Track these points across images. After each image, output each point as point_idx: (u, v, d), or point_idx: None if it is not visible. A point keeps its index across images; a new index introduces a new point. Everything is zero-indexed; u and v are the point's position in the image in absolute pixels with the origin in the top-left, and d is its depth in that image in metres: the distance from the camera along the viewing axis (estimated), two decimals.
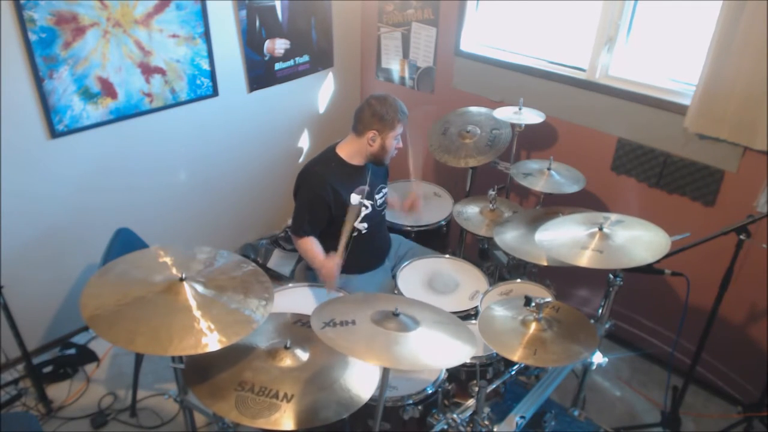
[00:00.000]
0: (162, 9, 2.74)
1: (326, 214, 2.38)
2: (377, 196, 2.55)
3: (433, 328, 1.63)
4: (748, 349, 2.68)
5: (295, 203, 2.45)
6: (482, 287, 2.38)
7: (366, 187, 2.47)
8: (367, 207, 2.48)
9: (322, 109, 3.78)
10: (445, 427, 1.83)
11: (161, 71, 2.84)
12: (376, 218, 2.55)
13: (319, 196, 2.35)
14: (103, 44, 2.60)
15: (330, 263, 2.26)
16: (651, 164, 2.72)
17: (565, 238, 1.90)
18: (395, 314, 1.60)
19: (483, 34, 3.26)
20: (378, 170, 2.55)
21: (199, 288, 1.58)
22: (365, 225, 2.48)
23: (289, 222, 3.70)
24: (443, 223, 2.92)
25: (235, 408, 1.47)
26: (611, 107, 2.78)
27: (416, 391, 1.91)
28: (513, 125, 2.84)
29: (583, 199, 2.84)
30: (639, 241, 1.83)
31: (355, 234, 2.45)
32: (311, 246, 2.38)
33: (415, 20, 3.41)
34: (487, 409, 1.78)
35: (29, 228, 2.65)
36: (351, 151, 2.43)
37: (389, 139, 2.39)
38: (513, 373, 2.05)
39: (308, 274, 2.61)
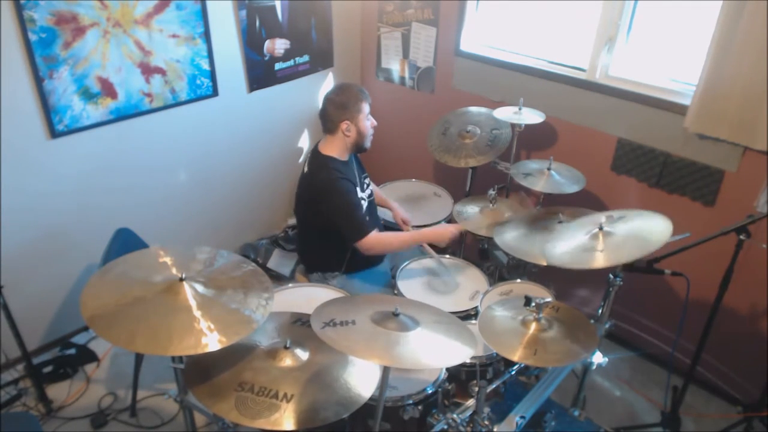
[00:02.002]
0: (162, 9, 2.74)
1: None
2: (365, 186, 2.58)
3: (432, 327, 1.63)
4: (748, 349, 2.68)
5: (338, 215, 2.32)
6: (482, 287, 2.38)
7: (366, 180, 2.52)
8: (364, 200, 2.49)
9: None
10: (445, 427, 1.83)
11: (161, 71, 2.84)
12: (371, 210, 2.58)
13: (349, 191, 2.37)
14: (103, 44, 2.60)
15: (440, 227, 2.44)
16: (651, 164, 2.72)
17: (573, 246, 1.89)
18: (395, 314, 1.60)
19: (483, 34, 3.26)
20: (356, 162, 2.59)
21: (199, 288, 1.58)
22: (366, 218, 2.49)
23: (290, 222, 3.73)
24: (443, 223, 2.92)
25: (235, 408, 1.46)
26: (611, 107, 2.78)
27: (416, 391, 1.91)
28: (513, 125, 2.84)
29: (583, 199, 2.84)
30: (641, 230, 1.83)
31: None
32: (385, 235, 2.41)
33: (415, 20, 3.41)
34: (487, 409, 1.78)
35: (29, 228, 2.65)
36: (335, 149, 2.44)
37: (361, 122, 2.42)
38: (513, 373, 2.05)
39: (310, 277, 2.61)
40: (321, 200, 2.35)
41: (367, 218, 2.41)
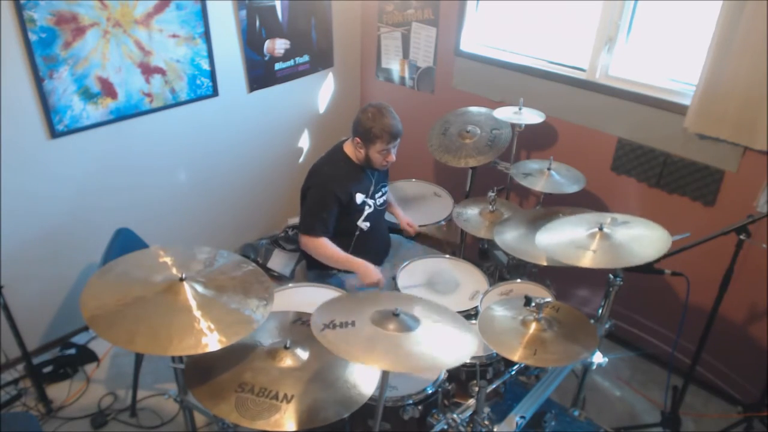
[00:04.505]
0: (162, 9, 2.74)
1: (337, 211, 2.38)
2: (377, 195, 2.56)
3: (433, 327, 1.63)
4: (748, 349, 2.68)
5: (305, 203, 2.42)
6: (482, 287, 2.38)
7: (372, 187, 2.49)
8: (369, 206, 2.49)
9: (322, 109, 3.78)
10: (445, 427, 1.83)
11: (161, 71, 2.84)
12: (376, 216, 2.57)
13: (332, 192, 2.36)
14: (103, 44, 2.60)
15: (364, 263, 2.30)
16: (651, 164, 2.72)
17: (567, 239, 1.89)
18: (395, 314, 1.60)
19: (483, 34, 3.26)
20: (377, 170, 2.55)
21: (199, 288, 1.58)
22: (367, 224, 2.50)
23: (290, 222, 3.72)
24: (443, 223, 2.92)
25: (235, 410, 1.46)
26: (611, 107, 2.78)
27: (416, 391, 1.91)
28: (513, 125, 2.84)
29: (583, 199, 2.84)
30: (640, 239, 1.83)
31: (358, 233, 2.45)
32: (327, 246, 2.36)
33: (415, 20, 3.41)
34: (487, 409, 1.78)
35: (29, 228, 2.65)
36: (352, 152, 2.46)
37: (372, 151, 2.38)
38: (513, 373, 2.05)
39: (308, 274, 2.62)
40: (309, 184, 2.42)
41: (326, 227, 2.38)
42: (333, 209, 2.37)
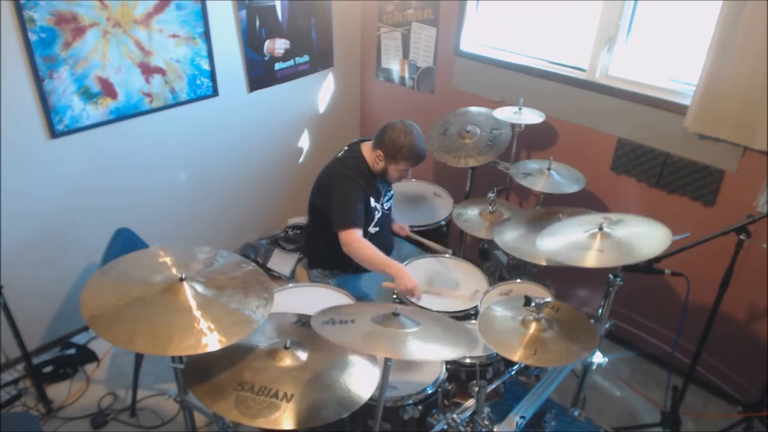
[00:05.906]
0: (162, 9, 2.74)
1: (362, 210, 2.36)
2: (385, 200, 2.56)
3: (432, 327, 1.63)
4: (748, 349, 2.68)
5: (332, 199, 2.33)
6: (482, 287, 2.38)
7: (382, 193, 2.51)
8: (378, 211, 2.49)
9: (322, 109, 3.78)
10: (445, 427, 1.83)
11: (161, 71, 2.84)
12: (384, 221, 2.57)
13: (360, 186, 2.36)
14: (103, 44, 2.60)
15: (401, 268, 2.23)
16: (651, 164, 2.72)
17: (568, 242, 1.89)
18: (395, 314, 1.60)
19: (483, 34, 3.26)
20: None
21: (199, 288, 1.58)
22: (377, 228, 2.51)
23: (290, 222, 3.72)
24: (443, 223, 2.92)
25: (235, 408, 1.46)
26: (611, 107, 2.78)
27: (416, 391, 1.91)
28: (513, 125, 2.84)
29: (583, 199, 2.84)
30: (640, 236, 1.83)
31: (367, 238, 2.44)
32: (367, 243, 2.30)
33: (415, 20, 3.41)
34: (487, 409, 1.78)
35: (29, 228, 2.65)
36: (370, 158, 2.45)
37: (392, 168, 2.41)
38: (513, 373, 2.05)
39: (309, 274, 2.61)
40: (329, 184, 2.38)
41: (363, 220, 2.37)
42: (362, 202, 2.36)
